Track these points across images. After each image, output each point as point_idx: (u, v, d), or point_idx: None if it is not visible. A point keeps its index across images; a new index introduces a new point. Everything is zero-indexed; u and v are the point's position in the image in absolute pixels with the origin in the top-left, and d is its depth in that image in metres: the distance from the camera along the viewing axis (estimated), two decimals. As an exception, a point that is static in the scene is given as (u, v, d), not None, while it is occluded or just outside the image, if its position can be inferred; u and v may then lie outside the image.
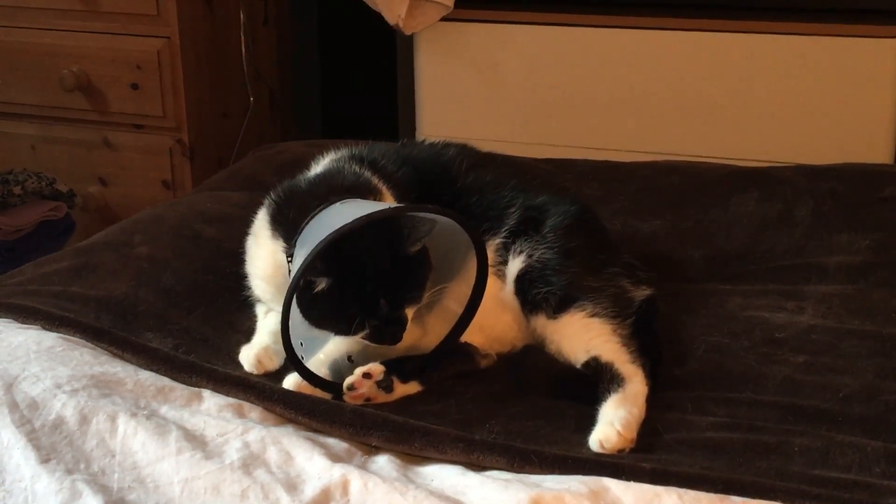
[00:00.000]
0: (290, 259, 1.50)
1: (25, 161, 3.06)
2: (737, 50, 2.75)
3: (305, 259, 1.36)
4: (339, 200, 1.49)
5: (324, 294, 1.41)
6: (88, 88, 3.01)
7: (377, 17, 2.95)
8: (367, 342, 1.47)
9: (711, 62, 2.77)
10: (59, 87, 3.00)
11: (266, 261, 1.59)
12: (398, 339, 1.45)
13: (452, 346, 1.54)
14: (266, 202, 1.63)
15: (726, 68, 2.77)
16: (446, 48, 2.97)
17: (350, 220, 1.36)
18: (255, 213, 1.65)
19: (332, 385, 1.45)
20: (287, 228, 1.53)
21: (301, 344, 1.45)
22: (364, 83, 3.56)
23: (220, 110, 3.14)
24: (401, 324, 1.45)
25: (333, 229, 1.36)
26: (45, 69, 3.02)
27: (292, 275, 1.41)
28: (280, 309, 1.39)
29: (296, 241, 1.48)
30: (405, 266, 1.45)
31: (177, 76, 2.94)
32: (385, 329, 1.44)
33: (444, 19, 2.92)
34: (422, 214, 1.44)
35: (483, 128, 2.95)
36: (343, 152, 1.72)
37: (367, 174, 1.61)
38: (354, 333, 1.44)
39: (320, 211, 1.48)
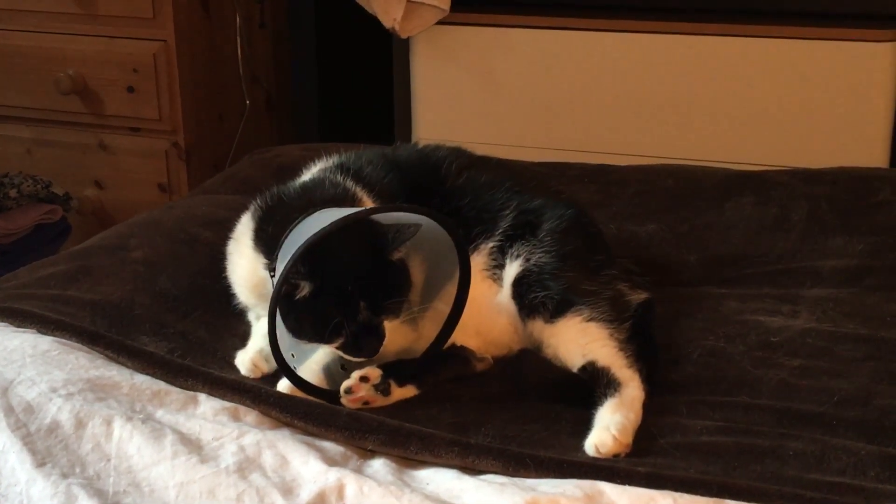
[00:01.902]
0: (272, 274, 1.50)
1: (21, 164, 3.06)
2: (732, 54, 2.76)
3: (284, 268, 1.36)
4: (317, 211, 1.49)
5: (304, 299, 1.40)
6: (84, 91, 3.01)
7: (374, 21, 2.95)
8: (343, 355, 1.46)
9: (707, 66, 2.78)
10: (55, 90, 2.99)
11: (247, 270, 1.59)
12: (375, 351, 1.44)
13: (448, 350, 1.54)
14: (251, 208, 1.62)
15: (722, 72, 2.77)
16: (442, 51, 2.97)
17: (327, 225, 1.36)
18: (239, 217, 1.65)
19: (324, 392, 1.45)
20: (267, 244, 1.53)
21: (293, 356, 1.45)
22: (361, 86, 3.56)
23: (216, 113, 3.14)
24: (378, 335, 1.44)
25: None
26: (41, 72, 3.02)
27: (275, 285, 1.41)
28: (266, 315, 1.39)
29: (277, 255, 1.48)
30: (387, 272, 1.45)
31: (173, 79, 2.93)
32: (362, 339, 1.43)
33: (440, 23, 2.92)
34: (396, 214, 1.44)
35: (479, 131, 2.95)
36: (331, 161, 1.72)
37: (349, 184, 1.60)
38: (330, 340, 1.43)
39: (297, 224, 1.47)
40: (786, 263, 1.89)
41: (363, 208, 1.53)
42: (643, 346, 1.52)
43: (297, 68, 3.54)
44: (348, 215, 1.40)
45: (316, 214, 1.48)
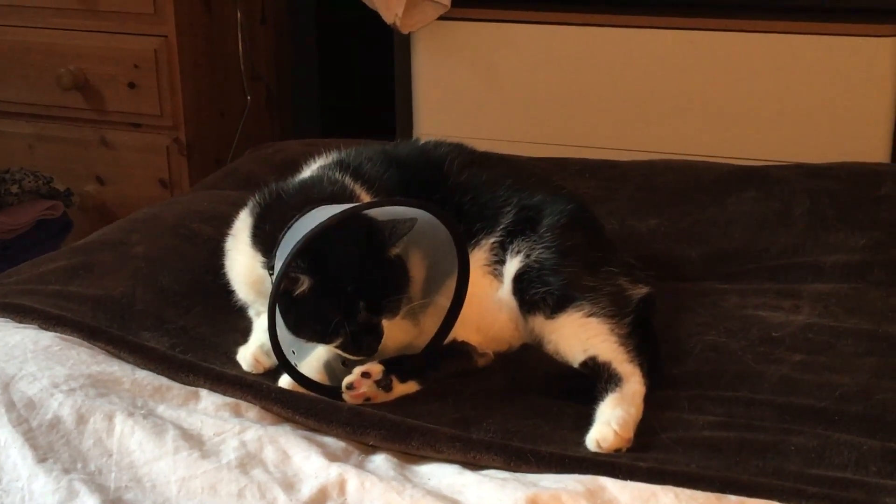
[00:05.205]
0: (271, 273, 1.49)
1: (23, 160, 3.06)
2: (734, 49, 2.76)
3: (283, 263, 1.36)
4: (315, 209, 1.48)
5: (303, 297, 1.40)
6: (86, 87, 3.01)
7: (375, 16, 2.95)
8: (342, 353, 1.46)
9: (709, 61, 2.78)
10: (56, 86, 3.00)
11: (245, 267, 1.58)
12: (374, 350, 1.44)
13: (449, 346, 1.54)
14: (250, 204, 1.62)
15: (724, 67, 2.77)
16: (443, 47, 2.97)
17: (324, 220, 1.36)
18: (238, 213, 1.64)
19: (326, 388, 1.45)
20: (265, 242, 1.52)
21: (293, 352, 1.45)
22: (361, 82, 3.56)
23: (217, 109, 3.14)
24: (377, 334, 1.44)
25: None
26: (42, 68, 3.02)
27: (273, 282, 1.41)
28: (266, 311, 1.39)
29: (275, 253, 1.48)
30: (385, 269, 1.45)
31: (174, 75, 2.94)
32: (361, 338, 1.43)
33: (441, 18, 2.92)
34: (393, 209, 1.44)
35: (480, 127, 2.95)
36: (331, 157, 1.71)
37: (348, 181, 1.60)
38: (330, 340, 1.43)
39: (294, 222, 1.47)
40: (787, 258, 1.89)
41: (361, 203, 1.53)
42: (644, 341, 1.52)
43: (298, 64, 3.54)
44: (347, 209, 1.40)
45: (313, 212, 1.47)
